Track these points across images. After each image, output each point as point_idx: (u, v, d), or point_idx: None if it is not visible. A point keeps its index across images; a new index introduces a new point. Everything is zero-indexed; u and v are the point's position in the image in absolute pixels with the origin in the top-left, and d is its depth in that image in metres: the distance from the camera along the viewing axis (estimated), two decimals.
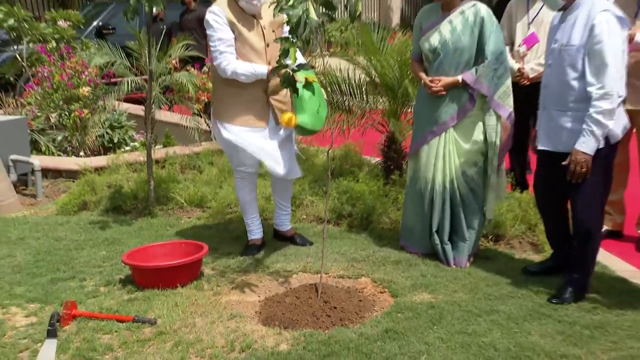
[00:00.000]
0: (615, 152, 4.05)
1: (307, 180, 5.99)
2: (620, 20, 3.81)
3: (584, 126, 3.81)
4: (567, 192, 4.08)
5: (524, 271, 4.53)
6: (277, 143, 4.78)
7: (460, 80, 4.52)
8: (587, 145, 3.81)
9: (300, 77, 4.29)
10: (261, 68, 4.49)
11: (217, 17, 4.57)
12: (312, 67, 4.44)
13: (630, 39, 4.46)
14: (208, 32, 4.65)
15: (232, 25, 4.59)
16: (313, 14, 3.47)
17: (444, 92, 4.56)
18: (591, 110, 3.78)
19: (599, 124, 3.77)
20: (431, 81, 4.58)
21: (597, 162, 3.88)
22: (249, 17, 4.62)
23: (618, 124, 3.93)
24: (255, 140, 4.69)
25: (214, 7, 4.63)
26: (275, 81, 4.46)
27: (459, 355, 3.41)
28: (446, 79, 4.54)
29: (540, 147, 4.21)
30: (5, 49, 10.60)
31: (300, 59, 4.70)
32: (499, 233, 5.15)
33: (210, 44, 4.64)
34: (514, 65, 5.36)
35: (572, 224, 4.16)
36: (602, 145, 3.87)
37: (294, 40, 3.54)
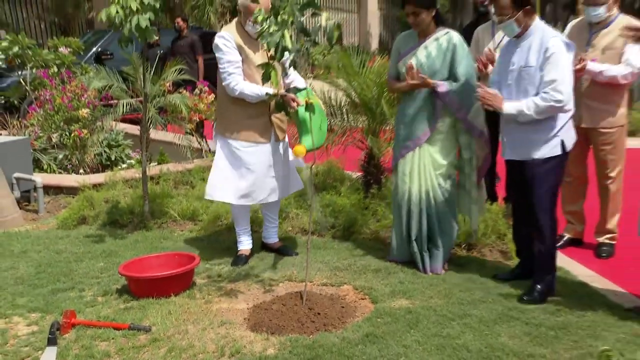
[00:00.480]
0: (567, 159, 4.22)
1: (292, 195, 5.97)
2: (567, 45, 4.03)
3: (529, 100, 4.00)
4: (527, 195, 4.20)
5: (495, 278, 4.54)
6: (277, 158, 4.85)
7: (434, 85, 4.54)
8: (511, 107, 4.07)
9: (301, 100, 4.33)
10: (265, 89, 4.49)
11: (227, 42, 4.63)
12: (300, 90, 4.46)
13: (582, 68, 4.59)
14: (217, 54, 4.68)
15: (239, 49, 4.65)
16: (288, 42, 3.49)
17: (417, 82, 4.54)
18: (542, 95, 3.97)
19: (536, 107, 3.97)
20: (417, 71, 4.56)
21: (552, 166, 4.11)
22: (254, 41, 4.63)
23: (569, 135, 4.14)
24: (257, 158, 4.74)
25: (223, 33, 4.69)
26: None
27: (434, 356, 3.40)
28: (428, 79, 4.53)
29: (506, 158, 4.35)
30: (10, 74, 10.61)
31: (301, 82, 4.70)
32: (471, 242, 5.16)
33: (220, 66, 4.68)
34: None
35: (533, 221, 4.25)
36: (558, 152, 4.07)
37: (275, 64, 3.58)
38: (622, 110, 4.91)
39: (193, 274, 4.54)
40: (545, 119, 4.05)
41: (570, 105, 4.06)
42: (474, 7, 6.45)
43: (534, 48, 4.05)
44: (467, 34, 4.97)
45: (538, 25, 4.13)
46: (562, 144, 4.09)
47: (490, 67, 5.35)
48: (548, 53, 3.97)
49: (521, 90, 4.09)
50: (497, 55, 5.41)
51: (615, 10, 4.80)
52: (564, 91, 3.94)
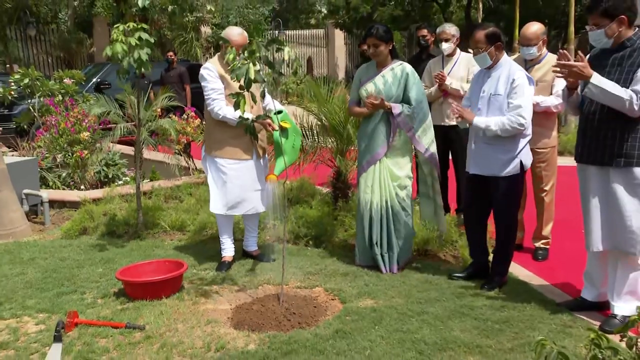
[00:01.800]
0: (524, 176, 4.38)
1: None
2: (529, 78, 4.21)
3: (497, 118, 4.14)
4: (492, 203, 4.36)
5: (450, 277, 4.57)
6: (259, 173, 4.82)
7: (390, 107, 4.61)
8: (480, 121, 4.20)
9: (276, 124, 4.33)
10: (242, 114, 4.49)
11: (210, 72, 4.67)
12: (280, 112, 4.45)
13: None
14: (202, 83, 4.70)
15: (221, 78, 4.68)
16: (252, 74, 3.54)
17: (376, 102, 4.59)
18: (508, 117, 4.10)
19: (502, 125, 4.11)
20: (374, 98, 4.61)
21: (513, 183, 4.24)
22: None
23: (527, 157, 4.29)
24: (241, 175, 4.72)
25: (207, 64, 4.75)
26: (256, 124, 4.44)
27: (396, 349, 3.41)
28: (385, 102, 4.60)
29: (472, 172, 4.44)
30: (21, 103, 10.59)
31: (277, 105, 4.72)
32: (427, 248, 5.16)
33: (205, 93, 4.70)
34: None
35: (495, 226, 4.42)
36: (518, 171, 4.21)
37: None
38: (554, 134, 5.05)
39: (182, 279, 4.48)
40: (509, 143, 4.19)
41: (529, 130, 4.22)
42: (417, 41, 6.57)
43: (503, 79, 4.21)
44: (413, 65, 5.07)
45: (506, 59, 4.31)
46: (521, 163, 4.23)
47: (448, 80, 5.50)
48: (515, 83, 4.13)
49: (490, 114, 4.23)
50: (448, 78, 5.55)
51: (544, 50, 4.96)
52: (527, 117, 4.11)
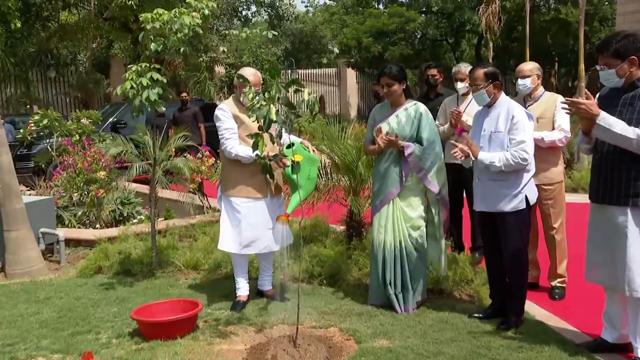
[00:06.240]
0: (530, 211, 4.39)
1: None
2: (528, 115, 4.26)
3: (501, 153, 4.17)
4: (500, 240, 4.30)
5: (470, 317, 4.50)
6: (273, 212, 4.82)
7: (402, 147, 4.61)
8: (485, 156, 4.20)
9: (288, 160, 4.31)
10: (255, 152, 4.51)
11: (225, 112, 4.77)
12: (291, 145, 4.44)
13: None
14: (217, 123, 4.79)
15: (235, 118, 4.76)
16: (273, 115, 3.58)
17: (386, 141, 4.62)
18: (511, 152, 4.12)
19: (506, 161, 4.13)
20: (387, 134, 4.63)
21: (519, 218, 4.22)
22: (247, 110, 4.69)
23: (532, 191, 4.28)
24: (255, 213, 4.73)
25: (222, 105, 4.86)
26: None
27: None
28: (398, 140, 4.61)
29: (477, 209, 4.45)
30: (39, 142, 10.73)
31: (291, 137, 4.71)
32: (442, 288, 5.09)
33: (219, 132, 4.78)
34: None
35: (505, 263, 4.33)
36: (523, 206, 4.19)
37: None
38: (560, 169, 5.02)
39: (196, 318, 4.45)
40: (513, 178, 4.20)
41: (532, 165, 4.24)
42: (426, 81, 6.58)
43: (502, 116, 4.25)
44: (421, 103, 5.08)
45: (504, 98, 4.35)
46: (526, 198, 4.22)
47: (464, 117, 5.44)
48: (515, 120, 4.17)
49: (491, 152, 4.25)
50: (464, 115, 5.54)
51: (541, 88, 5.00)
52: (529, 152, 4.14)
